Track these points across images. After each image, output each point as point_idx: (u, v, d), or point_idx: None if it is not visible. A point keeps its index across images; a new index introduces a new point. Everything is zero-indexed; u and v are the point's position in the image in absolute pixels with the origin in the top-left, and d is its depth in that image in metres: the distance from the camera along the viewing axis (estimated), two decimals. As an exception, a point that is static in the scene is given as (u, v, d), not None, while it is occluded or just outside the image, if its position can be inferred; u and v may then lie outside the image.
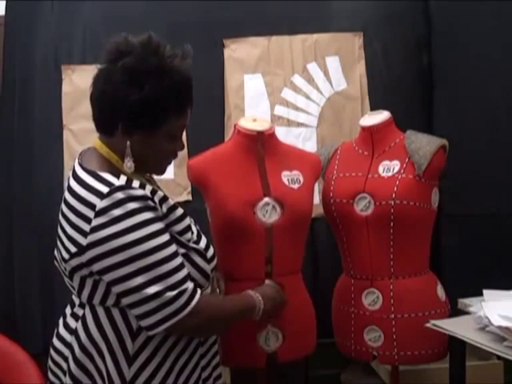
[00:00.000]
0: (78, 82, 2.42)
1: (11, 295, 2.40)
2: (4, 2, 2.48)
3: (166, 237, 1.11)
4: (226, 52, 2.46)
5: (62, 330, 1.21)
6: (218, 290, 1.38)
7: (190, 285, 1.12)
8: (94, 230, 1.07)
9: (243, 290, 1.61)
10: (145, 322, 1.10)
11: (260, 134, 1.67)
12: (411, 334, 1.72)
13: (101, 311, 1.15)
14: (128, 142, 1.14)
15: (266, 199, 1.62)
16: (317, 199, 2.06)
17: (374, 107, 2.13)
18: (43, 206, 2.36)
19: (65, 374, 1.18)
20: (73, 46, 2.45)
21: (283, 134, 2.30)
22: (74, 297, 1.22)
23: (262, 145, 1.67)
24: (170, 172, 2.42)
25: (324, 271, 2.35)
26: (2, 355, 1.67)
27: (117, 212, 1.06)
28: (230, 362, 1.61)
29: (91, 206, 1.08)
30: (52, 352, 1.23)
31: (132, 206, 1.07)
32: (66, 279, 1.19)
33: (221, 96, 2.44)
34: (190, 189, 2.39)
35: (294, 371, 1.91)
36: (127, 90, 1.10)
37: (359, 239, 1.78)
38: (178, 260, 1.12)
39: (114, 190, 1.08)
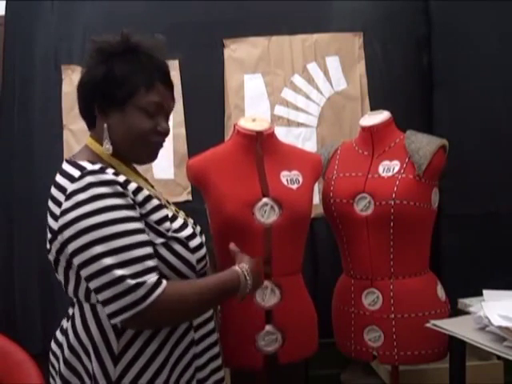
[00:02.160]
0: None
1: (11, 295, 2.41)
2: (4, 2, 2.48)
3: (135, 225, 1.08)
4: (226, 52, 2.46)
5: (57, 331, 1.22)
6: None
7: (151, 278, 1.06)
8: (63, 213, 1.08)
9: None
10: (108, 309, 1.06)
11: (259, 133, 1.67)
12: (411, 334, 1.72)
13: (87, 308, 1.14)
14: (105, 125, 1.16)
15: (265, 199, 1.62)
16: (317, 199, 2.06)
17: (374, 107, 2.13)
18: (43, 205, 2.35)
19: (58, 375, 1.18)
20: (73, 46, 2.45)
21: (283, 134, 2.30)
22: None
23: (260, 145, 1.67)
24: (170, 172, 2.42)
25: (324, 271, 2.34)
26: (2, 355, 1.67)
27: (84, 195, 1.06)
28: (230, 363, 1.61)
29: (63, 190, 1.10)
30: (50, 353, 1.23)
31: (100, 190, 1.06)
32: (56, 275, 1.19)
33: (221, 96, 2.44)
34: (189, 189, 2.39)
35: (293, 371, 1.91)
36: (96, 71, 1.16)
37: (359, 239, 1.78)
38: (147, 250, 1.08)
39: (86, 173, 1.08)
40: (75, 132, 2.41)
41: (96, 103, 1.17)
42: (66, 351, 1.15)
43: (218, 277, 1.20)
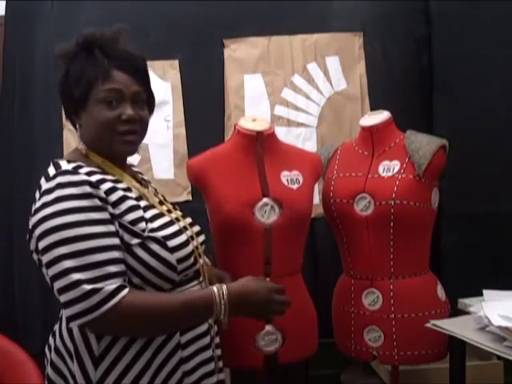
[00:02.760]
0: (77, 82, 2.42)
1: (11, 295, 2.40)
2: (4, 2, 2.48)
3: (99, 228, 1.05)
4: (226, 52, 2.46)
5: (50, 335, 1.22)
6: None
7: (110, 285, 1.02)
8: (35, 211, 1.08)
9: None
10: (65, 313, 1.04)
11: (259, 134, 1.67)
12: (411, 334, 1.72)
13: None
14: (77, 125, 1.20)
15: (265, 199, 1.61)
16: (317, 199, 2.06)
17: (374, 107, 2.13)
18: (43, 206, 2.36)
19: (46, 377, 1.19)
20: (73, 46, 2.45)
21: (283, 134, 2.30)
22: None
23: (261, 145, 1.67)
24: (170, 172, 2.42)
25: (324, 271, 2.34)
26: (2, 355, 1.67)
27: (50, 196, 1.06)
28: (230, 363, 1.61)
29: (40, 188, 1.10)
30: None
31: (65, 191, 1.05)
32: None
33: (221, 96, 2.44)
34: (190, 189, 2.39)
35: (293, 371, 1.91)
36: (61, 77, 1.18)
37: (359, 239, 1.78)
38: (110, 254, 1.04)
39: (58, 173, 1.09)
40: (75, 132, 2.40)
41: (68, 108, 1.20)
42: (53, 353, 1.16)
43: (189, 293, 1.15)
